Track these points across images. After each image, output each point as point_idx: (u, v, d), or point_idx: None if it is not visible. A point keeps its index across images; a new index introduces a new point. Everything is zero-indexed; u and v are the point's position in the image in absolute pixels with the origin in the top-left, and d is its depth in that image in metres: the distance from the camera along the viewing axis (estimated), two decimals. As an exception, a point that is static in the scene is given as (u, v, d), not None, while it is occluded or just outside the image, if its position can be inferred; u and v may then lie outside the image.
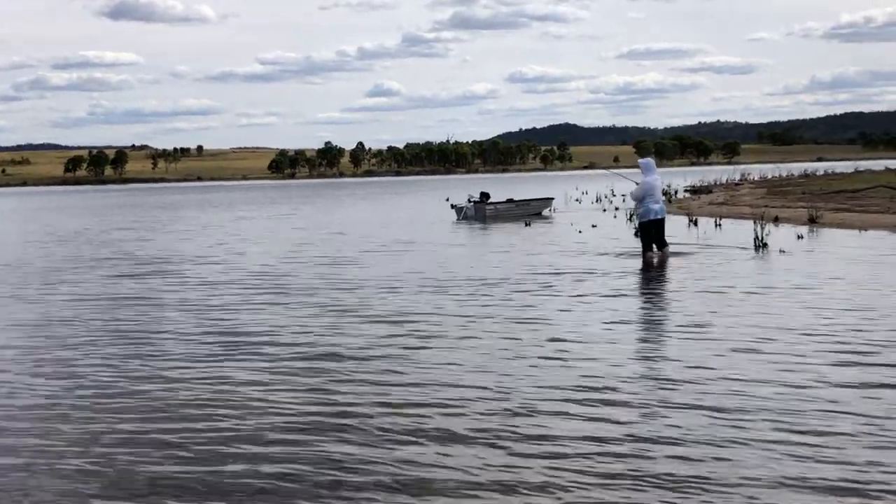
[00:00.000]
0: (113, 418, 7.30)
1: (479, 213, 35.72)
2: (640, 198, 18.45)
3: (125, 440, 6.73)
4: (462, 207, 36.54)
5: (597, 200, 47.27)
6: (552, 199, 39.46)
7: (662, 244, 18.47)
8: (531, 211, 36.38)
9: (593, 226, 28.12)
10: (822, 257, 17.23)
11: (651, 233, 18.43)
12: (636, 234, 20.33)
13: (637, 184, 18.89)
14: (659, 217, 18.40)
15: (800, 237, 21.01)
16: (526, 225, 30.31)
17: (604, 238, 23.31)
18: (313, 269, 17.99)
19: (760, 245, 18.74)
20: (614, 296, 13.05)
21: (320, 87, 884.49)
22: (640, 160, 19.23)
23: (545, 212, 37.17)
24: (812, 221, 24.68)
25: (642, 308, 12.27)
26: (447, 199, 50.44)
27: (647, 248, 18.45)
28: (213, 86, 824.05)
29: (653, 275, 15.89)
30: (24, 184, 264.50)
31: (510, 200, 37.99)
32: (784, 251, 17.97)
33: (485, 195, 37.08)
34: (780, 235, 21.18)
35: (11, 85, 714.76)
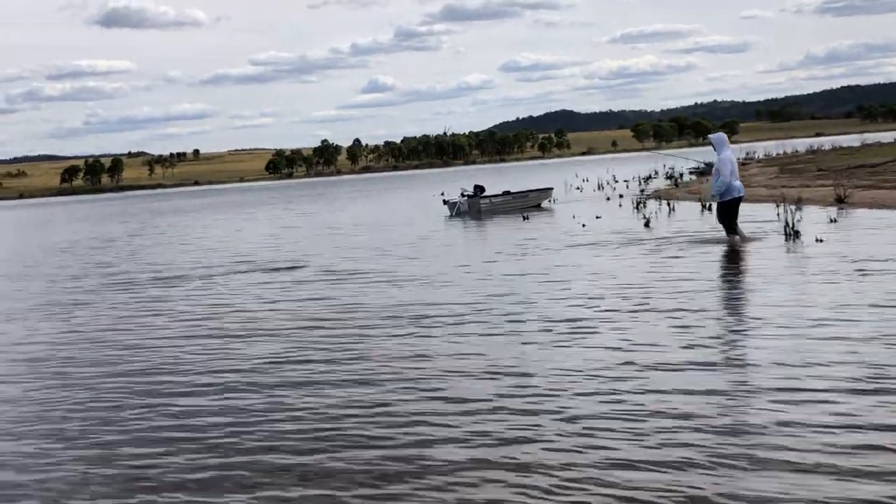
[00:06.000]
0: None
1: (473, 207, 33.32)
2: (729, 175, 16.27)
3: None
4: (455, 203, 34.14)
5: (599, 188, 44.88)
6: (551, 189, 36.86)
7: (735, 228, 16.58)
8: (529, 203, 33.92)
9: (597, 217, 25.68)
10: (873, 244, 14.71)
11: (733, 212, 16.48)
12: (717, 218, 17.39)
13: (703, 164, 16.85)
14: (740, 195, 16.49)
15: (832, 220, 18.49)
16: (524, 219, 27.87)
17: (621, 229, 20.90)
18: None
19: (792, 233, 16.31)
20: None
21: (315, 85, 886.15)
22: (711, 136, 17.09)
23: (544, 203, 34.71)
24: (840, 201, 22.21)
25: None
26: (441, 194, 48.04)
27: (731, 229, 16.46)
28: (206, 89, 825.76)
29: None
30: (21, 196, 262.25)
31: (506, 193, 35.51)
32: (821, 239, 15.52)
33: (479, 188, 34.68)
34: (810, 219, 18.72)
35: (6, 97, 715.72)
